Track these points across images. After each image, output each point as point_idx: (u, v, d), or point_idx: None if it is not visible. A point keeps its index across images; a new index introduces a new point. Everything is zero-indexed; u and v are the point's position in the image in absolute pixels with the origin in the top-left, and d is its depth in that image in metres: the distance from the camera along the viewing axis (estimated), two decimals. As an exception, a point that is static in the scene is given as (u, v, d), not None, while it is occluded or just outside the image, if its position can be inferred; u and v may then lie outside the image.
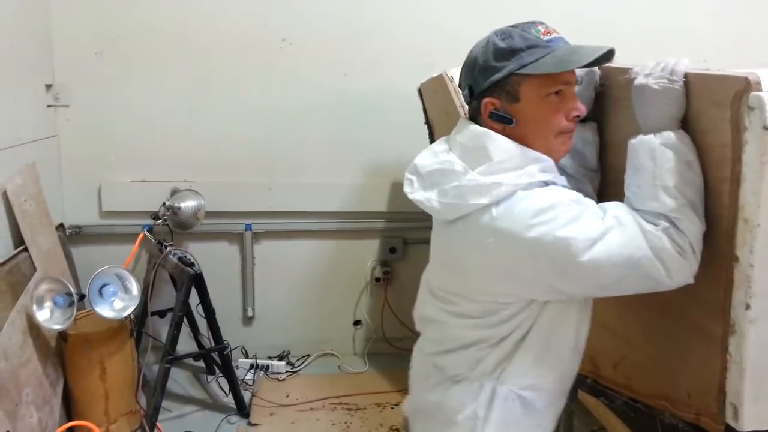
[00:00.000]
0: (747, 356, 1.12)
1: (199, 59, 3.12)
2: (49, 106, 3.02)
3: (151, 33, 3.08)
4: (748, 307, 1.10)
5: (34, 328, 2.44)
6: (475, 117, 1.27)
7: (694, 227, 1.12)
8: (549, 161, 1.21)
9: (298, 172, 3.29)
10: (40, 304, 2.41)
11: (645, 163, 1.14)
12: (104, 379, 2.62)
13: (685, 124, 1.14)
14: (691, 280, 1.15)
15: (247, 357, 3.34)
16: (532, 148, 1.20)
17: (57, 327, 2.44)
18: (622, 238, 1.11)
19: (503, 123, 1.22)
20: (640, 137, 1.16)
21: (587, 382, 1.82)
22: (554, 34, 1.21)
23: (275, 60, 3.16)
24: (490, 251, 1.17)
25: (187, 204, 3.09)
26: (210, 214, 3.19)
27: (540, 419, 1.34)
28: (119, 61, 3.08)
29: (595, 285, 1.17)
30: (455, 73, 2.43)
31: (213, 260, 3.18)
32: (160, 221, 3.07)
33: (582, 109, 1.23)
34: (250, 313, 3.42)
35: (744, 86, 1.01)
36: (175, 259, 2.84)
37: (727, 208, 1.09)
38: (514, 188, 1.15)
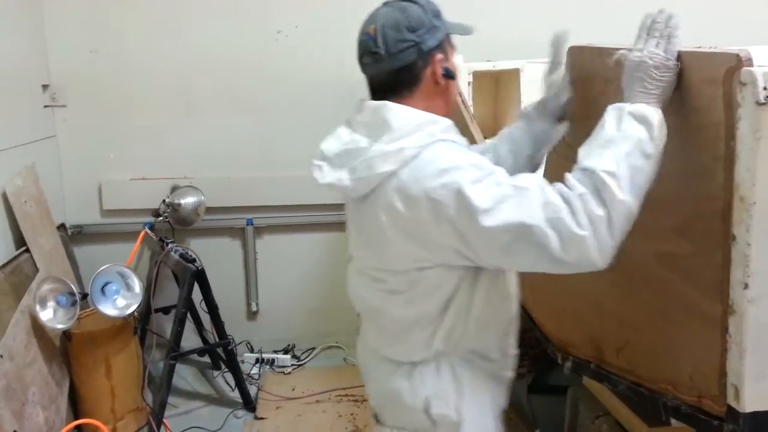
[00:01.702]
0: (747, 336, 1.11)
1: (195, 54, 3.12)
2: (46, 106, 3.03)
3: (147, 30, 3.08)
4: (746, 286, 1.08)
5: (38, 328, 2.45)
6: (401, 85, 1.27)
7: (620, 205, 1.07)
8: (448, 122, 1.27)
9: (298, 165, 3.26)
10: (44, 304, 2.42)
11: (608, 125, 1.14)
12: (110, 377, 2.63)
13: (678, 103, 1.13)
14: (598, 260, 1.10)
15: (252, 351, 3.35)
16: (447, 105, 1.31)
17: (61, 326, 2.45)
18: (519, 205, 1.11)
19: (447, 79, 1.28)
20: (617, 104, 1.15)
21: (591, 368, 1.81)
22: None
23: (272, 52, 3.15)
24: (400, 215, 1.19)
25: (188, 200, 3.09)
26: (211, 210, 3.19)
27: (497, 370, 1.39)
28: (115, 58, 3.08)
29: (493, 251, 1.16)
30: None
31: (215, 256, 3.19)
32: (160, 218, 3.07)
33: None
34: (254, 308, 3.43)
35: (735, 63, 0.99)
36: (176, 256, 2.84)
37: (722, 187, 1.08)
38: (418, 150, 1.19)
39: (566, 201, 1.09)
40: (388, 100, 1.26)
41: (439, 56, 1.26)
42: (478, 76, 2.51)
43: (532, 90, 2.51)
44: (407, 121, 1.22)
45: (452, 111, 1.33)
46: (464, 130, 2.26)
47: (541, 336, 2.17)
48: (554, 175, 1.23)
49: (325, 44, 3.15)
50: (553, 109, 1.44)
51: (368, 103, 1.29)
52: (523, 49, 2.90)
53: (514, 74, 2.52)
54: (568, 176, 1.13)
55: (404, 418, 1.37)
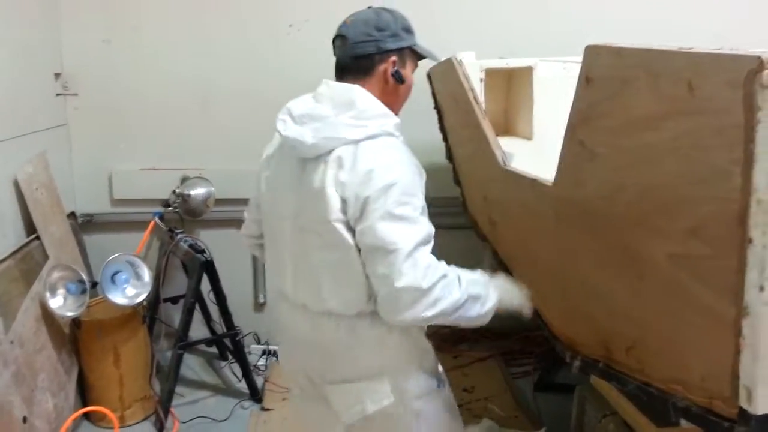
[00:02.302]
0: (761, 339, 1.11)
1: (208, 46, 3.12)
2: (58, 94, 3.04)
3: (160, 21, 3.08)
4: (762, 288, 1.08)
5: (47, 315, 2.47)
6: (356, 71, 1.49)
7: (437, 309, 1.37)
8: (398, 120, 1.48)
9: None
10: (53, 291, 2.44)
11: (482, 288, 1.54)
12: (118, 365, 2.65)
13: (694, 104, 1.13)
14: (406, 315, 1.35)
15: (259, 343, 3.37)
16: (396, 105, 1.53)
17: (70, 314, 2.47)
18: (409, 234, 1.34)
19: (397, 81, 1.51)
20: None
21: (600, 367, 1.81)
22: None
23: (283, 46, 3.15)
24: (342, 174, 1.38)
25: (197, 191, 3.10)
26: (220, 202, 3.20)
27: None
28: (128, 48, 3.09)
29: (362, 241, 1.37)
30: (465, 57, 2.42)
31: (224, 247, 3.18)
32: (170, 209, 3.09)
33: None
34: (261, 300, 3.44)
35: (758, 65, 0.99)
36: (186, 246, 2.85)
37: (740, 190, 1.07)
38: (379, 132, 1.42)
39: (429, 267, 1.35)
40: (347, 81, 1.49)
41: (393, 58, 1.50)
42: (491, 74, 2.50)
43: (544, 88, 2.50)
44: (370, 106, 1.44)
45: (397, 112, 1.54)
46: (475, 127, 2.26)
47: (549, 335, 2.17)
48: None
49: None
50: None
51: (336, 83, 1.50)
52: (536, 46, 2.93)
53: (527, 72, 2.51)
54: (444, 269, 1.40)
55: (351, 368, 1.51)
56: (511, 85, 2.71)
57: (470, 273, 1.51)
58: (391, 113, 1.47)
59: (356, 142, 1.40)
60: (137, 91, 3.14)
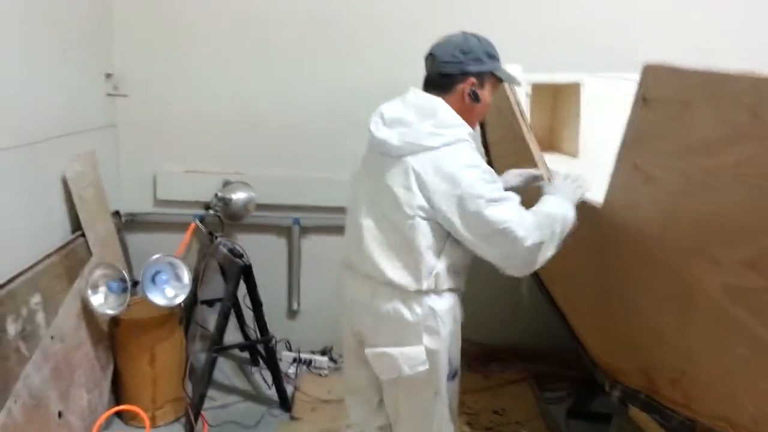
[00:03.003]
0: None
1: (256, 53, 3.15)
2: (108, 95, 3.10)
3: (211, 27, 3.12)
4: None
5: (88, 312, 2.51)
6: (441, 87, 1.73)
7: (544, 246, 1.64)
8: (472, 131, 1.73)
9: (346, 168, 3.27)
10: (95, 289, 2.48)
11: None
12: (153, 365, 2.67)
13: (754, 134, 1.07)
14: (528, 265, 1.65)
15: (290, 350, 3.36)
16: (471, 120, 1.74)
17: (110, 312, 2.50)
18: (510, 209, 1.62)
19: (473, 100, 1.73)
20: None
21: (641, 398, 1.75)
22: None
23: (333, 54, 3.16)
24: (426, 178, 1.63)
25: (239, 196, 3.12)
26: (260, 207, 3.21)
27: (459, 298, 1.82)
28: (178, 53, 3.14)
29: (475, 233, 1.62)
30: (511, 70, 2.38)
31: (260, 252, 3.19)
32: (211, 212, 3.11)
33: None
34: (294, 307, 3.44)
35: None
36: (225, 250, 2.87)
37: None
38: (455, 140, 1.66)
39: (533, 223, 1.62)
40: (431, 94, 1.73)
41: (473, 80, 1.72)
42: (537, 88, 2.47)
43: (592, 104, 2.45)
44: (449, 116, 1.69)
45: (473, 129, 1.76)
46: (520, 141, 2.22)
47: (588, 360, 2.11)
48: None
49: (386, 55, 3.15)
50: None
51: (422, 92, 1.74)
52: (581, 61, 2.87)
53: (574, 88, 2.47)
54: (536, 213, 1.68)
55: (397, 333, 1.74)
56: (558, 100, 2.67)
57: (545, 204, 1.73)
58: (465, 124, 1.71)
59: (434, 149, 1.64)
60: (185, 95, 3.18)
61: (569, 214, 1.70)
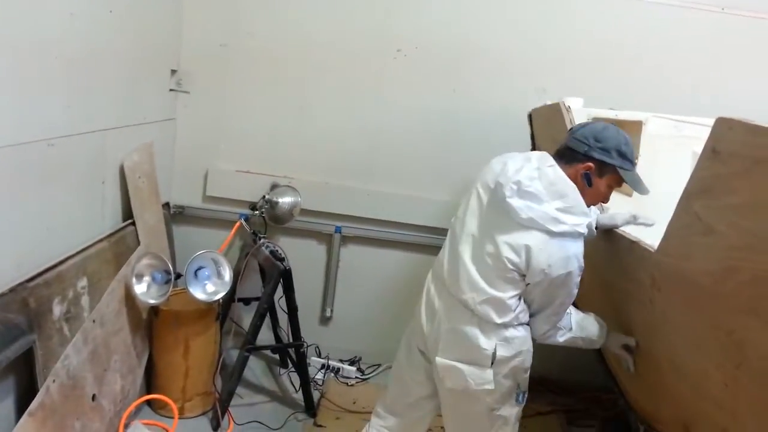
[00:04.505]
0: None
1: (316, 61, 3.20)
2: (171, 90, 3.17)
3: (276, 32, 3.18)
4: None
5: (130, 299, 2.56)
6: (565, 158, 1.86)
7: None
8: (590, 220, 1.88)
9: (394, 182, 3.31)
10: (140, 277, 2.53)
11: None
12: (187, 357, 2.72)
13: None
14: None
15: (319, 356, 3.38)
16: (587, 199, 1.83)
17: (152, 301, 2.55)
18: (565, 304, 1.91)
19: (586, 181, 1.84)
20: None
21: (677, 449, 1.71)
22: (636, 160, 1.96)
23: (389, 70, 3.19)
24: (538, 254, 1.78)
25: (285, 199, 3.16)
26: (304, 212, 3.25)
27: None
28: (241, 55, 3.20)
29: (534, 299, 1.88)
30: (573, 103, 2.37)
31: (300, 256, 3.23)
32: (257, 212, 3.16)
33: (606, 203, 1.98)
34: (328, 314, 3.47)
35: None
36: (267, 252, 2.90)
37: None
38: (571, 230, 1.78)
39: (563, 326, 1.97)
40: (557, 161, 1.85)
41: (590, 164, 1.83)
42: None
43: (652, 145, 2.41)
44: (577, 204, 1.80)
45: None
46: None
47: (625, 403, 2.08)
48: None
49: (440, 70, 3.17)
50: (601, 228, 2.04)
51: (562, 174, 1.82)
52: (649, 100, 2.84)
53: (636, 126, 2.43)
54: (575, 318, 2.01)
55: (470, 354, 1.89)
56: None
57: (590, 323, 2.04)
58: (588, 213, 1.85)
59: (551, 233, 1.77)
60: (243, 97, 3.24)
61: (596, 343, 2.02)
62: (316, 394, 3.06)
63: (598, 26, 3.11)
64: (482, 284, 1.86)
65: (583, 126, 1.90)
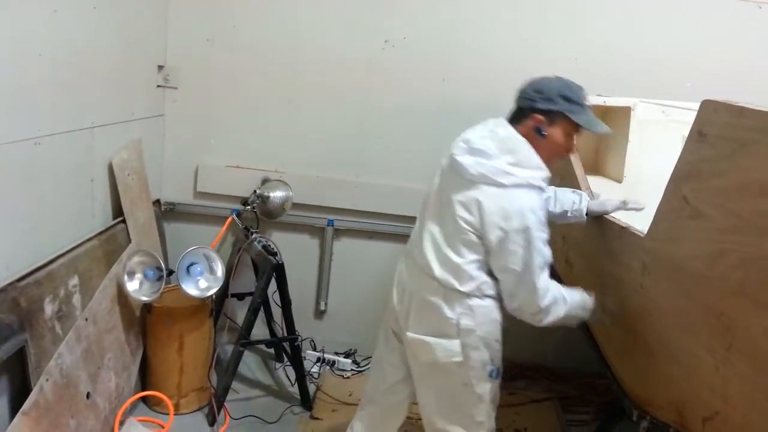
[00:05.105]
0: None
1: (304, 54, 3.18)
2: (159, 86, 3.15)
3: (262, 25, 3.16)
4: None
5: (122, 296, 2.55)
6: (516, 118, 1.87)
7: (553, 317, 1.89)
8: (547, 174, 1.83)
9: (385, 174, 3.30)
10: (131, 275, 2.52)
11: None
12: (181, 354, 2.72)
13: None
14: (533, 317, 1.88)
15: (314, 350, 3.38)
16: (543, 154, 1.82)
17: (145, 299, 2.54)
18: (540, 268, 1.81)
19: (538, 135, 1.83)
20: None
21: (670, 432, 1.72)
22: (588, 102, 1.87)
23: (377, 61, 3.18)
24: (486, 206, 1.78)
25: (276, 194, 3.15)
26: (296, 206, 3.25)
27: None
28: (228, 49, 3.18)
29: (504, 264, 1.82)
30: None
31: (292, 251, 3.23)
32: (248, 207, 3.15)
33: (574, 151, 2.02)
34: (322, 307, 3.46)
35: None
36: (259, 247, 2.90)
37: None
38: (524, 182, 1.77)
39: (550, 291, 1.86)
40: (511, 124, 1.86)
41: (537, 116, 1.83)
42: (586, 110, 2.43)
43: (641, 130, 2.42)
44: (528, 158, 1.80)
45: (548, 165, 1.85)
46: (566, 162, 2.20)
47: (618, 389, 2.08)
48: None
49: (430, 59, 3.16)
50: (592, 214, 2.06)
51: (512, 131, 1.84)
52: (637, 86, 2.84)
53: (625, 112, 2.43)
54: (560, 289, 1.90)
55: (438, 326, 1.90)
56: (606, 123, 2.63)
57: (575, 296, 1.95)
58: (543, 167, 1.82)
59: (503, 186, 1.76)
60: (232, 91, 3.22)
61: (581, 315, 1.96)
62: (311, 388, 3.06)
63: (589, 14, 3.10)
64: (443, 249, 1.87)
65: (526, 83, 1.90)
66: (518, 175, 1.76)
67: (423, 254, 1.94)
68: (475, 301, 1.87)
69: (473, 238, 1.82)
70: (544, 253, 1.80)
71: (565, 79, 1.87)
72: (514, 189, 1.76)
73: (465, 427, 1.96)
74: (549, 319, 1.87)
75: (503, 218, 1.76)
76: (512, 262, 1.79)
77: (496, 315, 1.91)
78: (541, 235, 1.78)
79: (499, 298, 1.91)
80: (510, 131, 1.84)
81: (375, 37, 3.16)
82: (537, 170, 1.80)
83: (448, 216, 1.86)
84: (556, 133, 1.84)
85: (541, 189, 1.81)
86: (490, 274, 1.88)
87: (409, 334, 1.96)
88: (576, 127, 1.85)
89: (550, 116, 1.82)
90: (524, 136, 1.82)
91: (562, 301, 1.87)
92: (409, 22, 3.14)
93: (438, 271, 1.88)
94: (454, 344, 1.89)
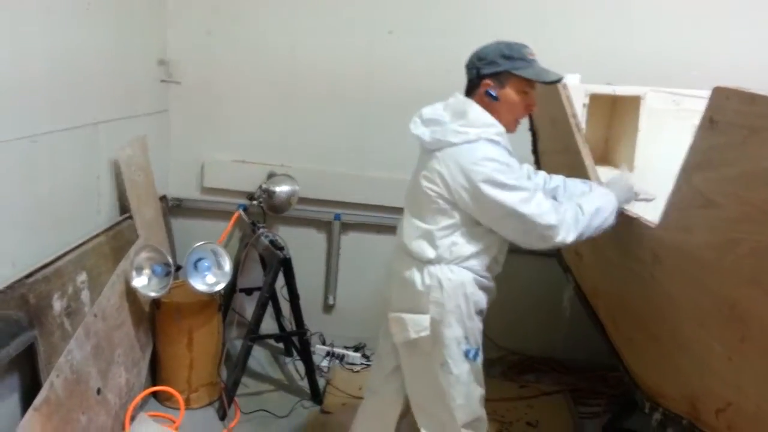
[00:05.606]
0: None
1: (306, 46, 3.16)
2: (162, 81, 3.14)
3: (260, 19, 3.14)
4: None
5: (131, 293, 2.56)
6: (469, 90, 1.90)
7: (578, 226, 1.79)
8: (501, 130, 1.85)
9: (392, 167, 3.27)
10: (139, 271, 2.52)
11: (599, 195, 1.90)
12: (191, 349, 2.72)
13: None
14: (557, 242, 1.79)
15: (324, 344, 3.37)
16: (502, 117, 1.86)
17: (153, 294, 2.54)
18: (526, 201, 1.77)
19: (491, 99, 1.85)
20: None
21: (683, 424, 1.70)
22: (535, 57, 1.87)
23: (380, 51, 3.15)
24: (450, 171, 1.81)
25: (282, 188, 3.15)
26: (302, 200, 3.24)
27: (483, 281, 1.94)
28: (228, 42, 3.17)
29: (491, 216, 1.82)
30: (569, 80, 2.34)
31: (300, 245, 3.22)
32: (255, 202, 3.15)
33: (534, 107, 1.92)
34: (330, 302, 3.46)
35: None
36: (266, 241, 2.89)
37: None
38: (476, 138, 1.80)
39: (554, 207, 1.79)
40: (466, 97, 1.90)
41: (488, 82, 1.85)
42: (595, 99, 2.40)
43: (651, 120, 2.38)
44: (477, 117, 1.84)
45: (512, 126, 1.92)
46: (574, 153, 2.18)
47: (630, 381, 2.07)
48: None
49: (433, 51, 3.13)
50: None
51: (461, 97, 1.90)
52: (648, 75, 2.79)
53: (635, 101, 2.40)
54: (569, 200, 1.88)
55: (411, 301, 1.92)
56: (615, 113, 2.60)
57: (585, 195, 1.91)
58: (495, 123, 1.84)
59: (456, 145, 1.81)
60: (235, 85, 3.22)
61: (606, 208, 1.83)
62: (321, 382, 3.06)
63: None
64: (416, 222, 1.92)
65: (470, 56, 1.92)
66: (469, 132, 1.80)
67: (401, 233, 1.99)
68: (443, 272, 1.87)
69: (443, 205, 1.85)
70: (520, 187, 1.78)
71: (503, 40, 1.88)
72: (466, 145, 1.80)
73: (445, 409, 1.94)
74: (573, 233, 1.77)
75: (464, 177, 1.78)
76: (494, 210, 1.79)
77: (471, 290, 1.89)
78: (508, 177, 1.77)
79: (481, 273, 1.90)
80: (460, 98, 1.89)
81: (378, 27, 3.14)
82: (488, 127, 1.82)
83: (420, 192, 1.90)
84: (508, 93, 1.85)
85: (496, 143, 1.81)
86: (467, 237, 1.87)
87: (390, 314, 2.00)
88: (527, 83, 1.85)
89: (498, 78, 1.84)
90: (480, 104, 1.85)
91: (574, 208, 1.79)
92: (413, 10, 3.12)
93: (412, 243, 1.92)
94: (424, 318, 1.90)
